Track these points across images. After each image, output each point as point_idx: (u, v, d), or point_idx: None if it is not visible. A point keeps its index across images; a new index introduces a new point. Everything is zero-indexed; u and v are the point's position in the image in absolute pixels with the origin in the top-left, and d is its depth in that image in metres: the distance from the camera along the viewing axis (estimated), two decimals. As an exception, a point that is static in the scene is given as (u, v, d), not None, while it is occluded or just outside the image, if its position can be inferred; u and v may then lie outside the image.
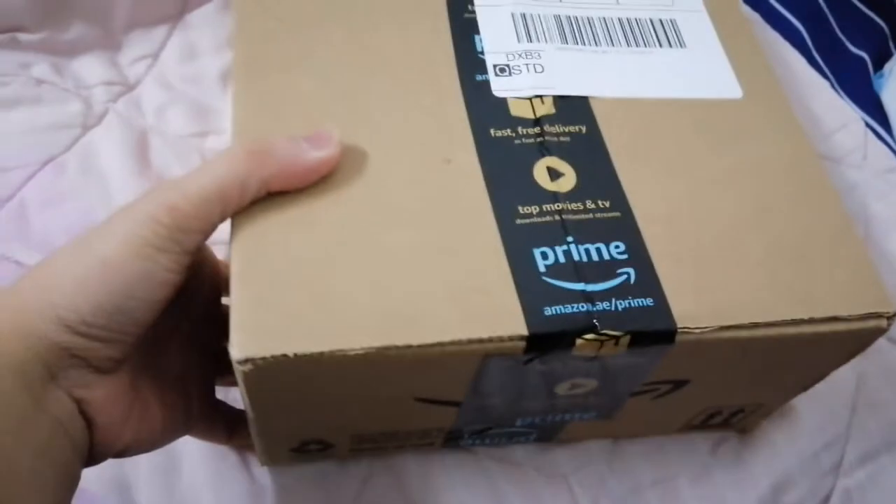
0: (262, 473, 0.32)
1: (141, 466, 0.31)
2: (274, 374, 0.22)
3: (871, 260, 0.26)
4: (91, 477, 0.31)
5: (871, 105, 0.49)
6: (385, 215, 0.24)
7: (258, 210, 0.24)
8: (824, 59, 0.51)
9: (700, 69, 0.30)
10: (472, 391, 0.25)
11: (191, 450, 0.32)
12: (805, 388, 0.30)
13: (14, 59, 0.40)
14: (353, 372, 0.23)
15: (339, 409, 0.26)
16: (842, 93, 0.49)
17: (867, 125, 0.48)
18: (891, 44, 0.53)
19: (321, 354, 0.21)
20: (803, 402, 0.36)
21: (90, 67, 0.42)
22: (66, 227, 0.37)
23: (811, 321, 0.24)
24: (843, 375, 0.33)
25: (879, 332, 0.25)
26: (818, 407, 0.36)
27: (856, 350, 0.26)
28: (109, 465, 0.29)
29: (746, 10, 0.51)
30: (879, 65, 0.52)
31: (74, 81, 0.41)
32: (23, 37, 0.41)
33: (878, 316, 0.25)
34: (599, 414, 0.30)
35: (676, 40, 0.31)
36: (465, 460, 0.33)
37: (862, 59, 0.52)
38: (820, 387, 0.30)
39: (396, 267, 0.23)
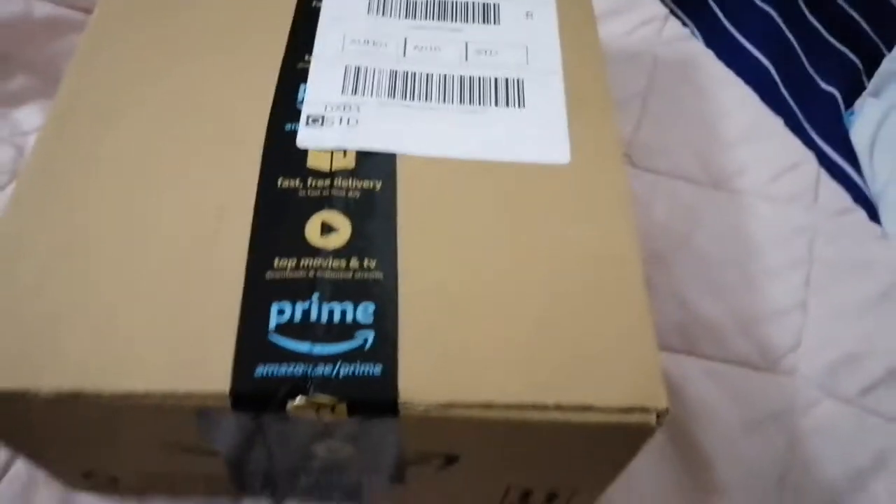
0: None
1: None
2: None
3: (657, 356, 0.23)
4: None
5: (839, 142, 0.46)
6: (135, 257, 0.24)
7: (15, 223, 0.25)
8: (793, 96, 0.48)
9: (531, 131, 0.29)
10: (214, 443, 0.24)
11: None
12: (607, 477, 0.27)
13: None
14: (67, 410, 0.22)
15: (94, 445, 0.26)
16: (809, 128, 0.46)
17: (833, 163, 0.45)
18: (864, 78, 0.49)
19: (9, 392, 0.21)
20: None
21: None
22: None
23: (558, 408, 0.22)
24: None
25: (648, 430, 0.22)
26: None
27: (629, 446, 0.24)
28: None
29: (699, 45, 0.50)
30: (851, 99, 0.49)
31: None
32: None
33: (643, 410, 0.22)
34: (390, 478, 0.28)
35: (516, 100, 0.30)
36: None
37: (832, 95, 0.48)
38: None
39: (125, 310, 0.23)
